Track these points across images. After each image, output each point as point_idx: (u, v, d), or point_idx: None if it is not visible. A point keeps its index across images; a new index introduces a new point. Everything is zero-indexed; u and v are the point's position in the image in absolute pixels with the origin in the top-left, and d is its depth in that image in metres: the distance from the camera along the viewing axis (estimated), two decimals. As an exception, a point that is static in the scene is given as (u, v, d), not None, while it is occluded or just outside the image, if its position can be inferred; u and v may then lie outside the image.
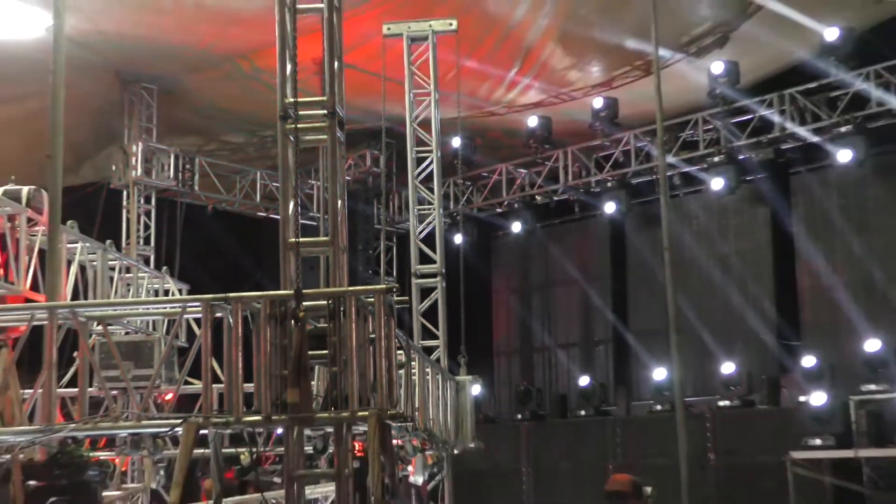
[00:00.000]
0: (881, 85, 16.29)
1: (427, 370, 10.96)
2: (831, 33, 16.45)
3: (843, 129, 16.71)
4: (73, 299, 11.78)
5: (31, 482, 7.71)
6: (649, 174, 18.41)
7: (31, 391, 8.31)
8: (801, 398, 15.10)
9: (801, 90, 17.18)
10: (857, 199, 17.61)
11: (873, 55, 16.47)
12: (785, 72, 17.85)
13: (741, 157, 17.93)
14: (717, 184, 18.37)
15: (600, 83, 18.82)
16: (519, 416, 19.39)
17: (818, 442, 14.41)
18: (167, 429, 8.32)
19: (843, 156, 16.85)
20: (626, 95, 18.74)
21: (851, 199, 17.65)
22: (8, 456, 8.37)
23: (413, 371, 9.87)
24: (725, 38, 17.34)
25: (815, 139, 17.03)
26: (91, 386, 8.39)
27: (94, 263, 13.66)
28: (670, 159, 17.27)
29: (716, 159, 18.13)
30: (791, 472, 14.04)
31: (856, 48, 16.50)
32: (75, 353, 8.36)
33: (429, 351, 14.52)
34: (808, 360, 16.12)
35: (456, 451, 14.26)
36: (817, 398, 14.69)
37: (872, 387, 14.57)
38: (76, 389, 8.19)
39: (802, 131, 17.08)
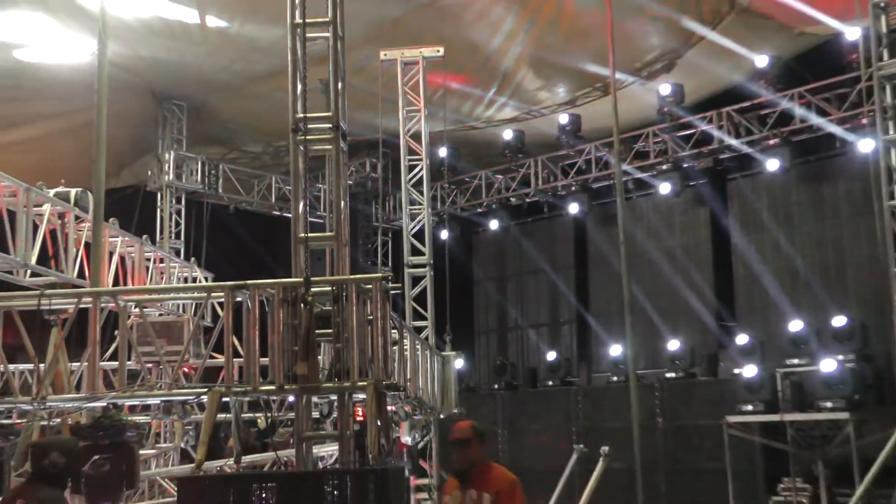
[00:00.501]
0: (803, 104, 16.37)
1: (417, 346, 10.99)
2: (761, 60, 16.59)
3: (771, 142, 16.82)
4: (113, 286, 11.83)
5: (81, 441, 7.73)
6: (607, 179, 18.46)
7: (77, 364, 8.34)
8: (736, 370, 15.20)
9: (736, 108, 17.24)
10: (783, 201, 17.70)
11: (796, 79, 16.58)
12: (722, 93, 17.97)
13: (685, 165, 18.01)
14: (664, 188, 18.45)
15: (565, 102, 18.88)
16: (496, 386, 19.44)
17: (749, 408, 14.49)
18: (194, 396, 8.34)
19: (772, 164, 16.94)
20: (587, 112, 18.80)
21: (778, 201, 17.73)
22: (58, 420, 8.42)
23: (405, 347, 9.92)
24: (672, 64, 17.42)
25: (748, 150, 17.12)
26: (129, 360, 8.39)
27: (132, 255, 13.69)
28: (625, 167, 17.34)
29: (664, 167, 18.19)
30: (726, 433, 14.16)
31: (782, 73, 16.63)
32: (116, 332, 8.38)
33: (419, 330, 14.57)
34: (742, 339, 16.21)
35: (442, 416, 14.30)
36: (749, 370, 14.78)
37: (795, 361, 14.67)
38: (116, 363, 8.19)
39: (737, 143, 17.16)
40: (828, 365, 14.03)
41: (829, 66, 16.22)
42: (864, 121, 14.99)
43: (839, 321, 14.94)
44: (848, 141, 16.07)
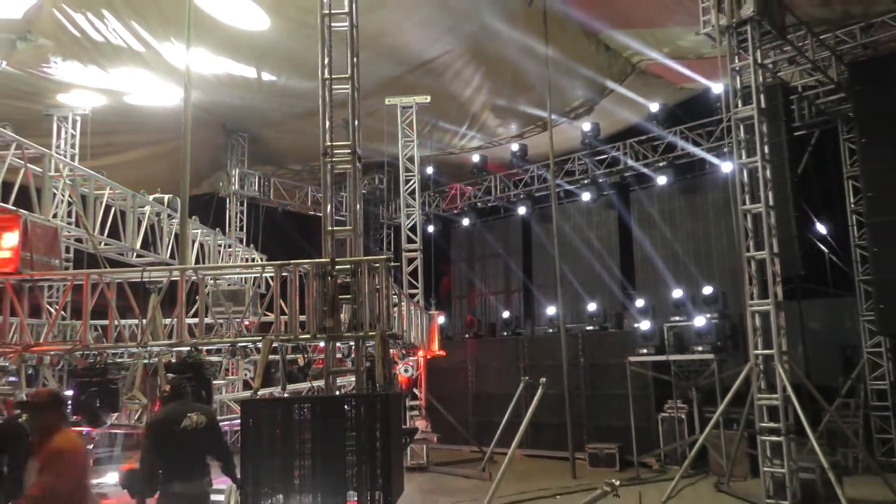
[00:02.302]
0: (683, 138, 16.47)
1: (411, 307, 11.03)
2: (654, 106, 16.66)
3: (661, 164, 16.91)
4: (195, 264, 11.78)
5: (170, 374, 7.72)
6: (545, 190, 18.49)
7: (169, 320, 8.32)
8: (635, 325, 15.33)
9: (636, 140, 17.31)
10: (669, 206, 17.78)
11: (678, 120, 16.68)
12: (626, 129, 17.99)
13: (600, 180, 18.06)
14: (585, 196, 18.53)
15: (516, 135, 18.87)
16: (466, 336, 19.53)
17: (645, 351, 14.62)
18: (252, 343, 8.34)
19: (661, 180, 17.05)
20: (531, 142, 18.83)
21: (665, 206, 17.81)
22: (156, 359, 8.39)
23: (402, 308, 9.94)
24: (591, 108, 17.47)
25: (644, 170, 17.20)
26: (206, 317, 8.40)
27: (208, 242, 13.62)
28: (557, 181, 17.39)
29: (585, 181, 18.26)
30: (629, 369, 14.28)
31: (668, 115, 16.71)
32: (196, 296, 8.35)
33: (412, 296, 14.60)
34: (639, 302, 16.32)
35: (428, 357, 14.36)
36: (644, 325, 14.92)
37: (677, 318, 14.79)
38: (197, 319, 8.19)
39: (637, 165, 17.24)
40: (699, 321, 14.18)
41: (701, 110, 16.34)
42: (726, 150, 15.11)
43: (707, 290, 15.07)
44: (714, 164, 16.21)
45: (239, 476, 6.50)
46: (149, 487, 6.25)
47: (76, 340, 7.89)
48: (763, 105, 10.75)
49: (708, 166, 16.56)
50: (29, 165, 8.80)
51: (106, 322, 8.23)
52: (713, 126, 15.98)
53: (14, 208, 8.22)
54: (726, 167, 15.11)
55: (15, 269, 7.69)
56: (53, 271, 8.35)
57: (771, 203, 10.57)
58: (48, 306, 10.76)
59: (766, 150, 10.69)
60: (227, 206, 18.86)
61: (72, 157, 13.06)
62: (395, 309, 9.13)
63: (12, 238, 7.66)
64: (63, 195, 9.78)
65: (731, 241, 15.25)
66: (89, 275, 7.90)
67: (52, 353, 8.11)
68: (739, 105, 10.90)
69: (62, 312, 9.89)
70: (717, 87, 15.18)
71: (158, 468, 6.19)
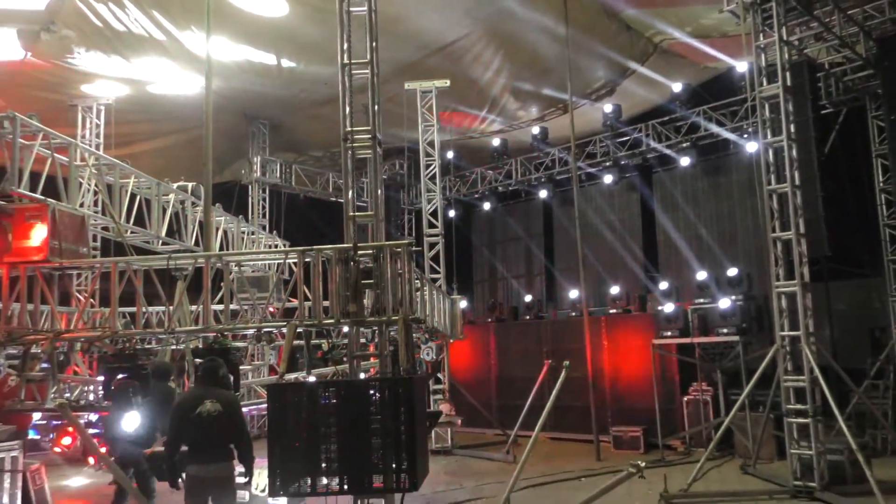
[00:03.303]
0: (706, 118, 16.26)
1: (433, 292, 11.04)
2: (677, 87, 16.41)
3: (683, 145, 16.72)
4: (219, 251, 11.88)
5: (198, 359, 7.83)
6: (566, 173, 18.39)
7: (195, 306, 8.41)
8: (659, 307, 15.22)
9: (658, 121, 17.12)
10: (692, 187, 17.63)
11: (702, 100, 16.45)
12: (649, 110, 17.76)
13: (622, 162, 17.90)
14: (607, 179, 18.41)
15: (536, 118, 18.72)
16: (489, 320, 19.52)
17: (669, 333, 14.56)
18: (277, 328, 8.41)
19: (684, 161, 16.89)
20: (552, 125, 18.66)
21: (688, 187, 17.66)
22: (184, 344, 8.51)
23: (425, 292, 9.96)
24: (613, 89, 17.25)
25: (667, 151, 17.02)
26: (231, 303, 8.47)
27: (232, 229, 13.72)
28: (579, 164, 17.25)
29: (606, 164, 18.13)
30: (653, 352, 14.21)
31: (691, 96, 16.48)
32: (221, 283, 8.42)
33: (434, 280, 14.62)
34: (663, 285, 16.23)
35: (451, 341, 14.40)
36: (668, 307, 14.83)
37: (701, 300, 14.70)
38: (222, 305, 8.26)
39: (659, 146, 17.06)
40: (724, 303, 14.06)
41: (725, 90, 16.10)
42: (750, 129, 14.90)
43: (732, 272, 14.94)
44: (738, 144, 15.99)
45: (269, 460, 6.57)
46: (171, 466, 6.49)
47: (105, 327, 8.01)
48: (789, 83, 10.57)
49: (732, 146, 16.35)
50: (56, 155, 8.91)
51: (134, 309, 8.34)
52: (737, 105, 15.75)
53: (42, 198, 8.34)
54: (751, 147, 14.91)
55: (45, 257, 7.82)
56: (82, 259, 8.47)
57: (797, 183, 10.42)
58: (77, 294, 10.94)
59: (792, 128, 10.51)
60: (250, 193, 18.97)
61: (97, 147, 13.21)
62: (418, 293, 9.13)
63: (41, 227, 7.78)
64: (89, 184, 9.90)
65: (755, 221, 15.13)
66: (117, 262, 8.00)
67: (82, 339, 8.25)
68: (764, 83, 10.72)
69: (91, 300, 10.04)
70: (741, 66, 14.94)
71: (178, 449, 6.47)
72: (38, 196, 8.32)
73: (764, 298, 13.87)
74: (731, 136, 15.97)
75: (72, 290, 10.49)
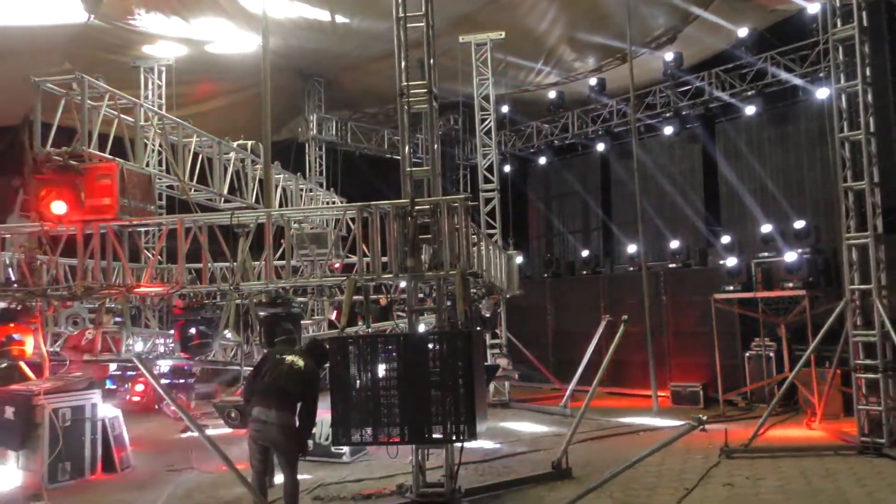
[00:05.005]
0: (774, 64, 15.53)
1: (490, 247, 11.03)
2: (742, 31, 15.69)
3: (749, 94, 16.06)
4: (279, 208, 12.09)
5: (261, 312, 8.02)
6: (625, 125, 17.94)
7: (257, 262, 8.61)
8: (720, 262, 14.84)
9: (723, 69, 16.44)
10: (757, 137, 17.01)
11: (769, 45, 15.70)
12: (712, 57, 17.04)
13: (683, 112, 17.30)
14: (667, 130, 17.91)
15: (594, 69, 18.23)
16: (545, 275, 19.46)
17: (731, 288, 14.20)
18: (337, 283, 8.53)
19: (749, 110, 16.27)
20: (610, 75, 18.16)
21: (753, 137, 17.04)
22: (247, 299, 8.73)
23: (481, 247, 9.95)
24: (674, 37, 16.62)
25: (731, 100, 16.38)
26: (292, 259, 8.62)
27: (290, 187, 13.92)
28: (638, 115, 16.80)
29: (667, 114, 17.58)
30: (713, 307, 13.91)
31: (757, 41, 15.75)
32: (282, 239, 8.57)
33: (490, 236, 14.60)
34: (725, 238, 15.83)
35: (508, 296, 14.41)
36: (731, 261, 14.45)
37: (765, 254, 14.26)
38: (283, 261, 8.43)
39: (723, 95, 16.42)
40: (790, 256, 13.61)
41: (795, 33, 15.30)
42: (822, 75, 14.23)
43: (799, 224, 14.44)
44: (808, 90, 15.28)
45: (330, 414, 6.76)
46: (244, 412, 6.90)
47: (174, 282, 8.27)
48: (865, 23, 9.99)
49: (801, 93, 15.63)
50: (122, 116, 9.14)
51: (199, 265, 8.59)
52: (808, 50, 14.98)
53: (111, 157, 8.59)
54: (822, 93, 14.24)
55: (115, 215, 8.08)
56: (150, 217, 8.73)
57: (872, 130, 9.92)
58: (145, 250, 11.33)
59: (868, 72, 9.97)
60: (307, 151, 19.16)
61: (158, 107, 13.49)
62: (475, 249, 9.13)
63: (111, 186, 8.03)
64: (153, 144, 10.14)
65: (825, 171, 14.55)
66: (183, 219, 8.22)
67: (152, 293, 8.56)
68: (838, 24, 10.16)
69: (158, 256, 10.38)
70: (812, 7, 14.21)
71: (252, 393, 6.82)
72: (107, 156, 8.57)
73: (832, 251, 13.41)
74: (800, 83, 15.25)
75: (140, 246, 10.85)
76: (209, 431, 9.00)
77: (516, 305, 16.48)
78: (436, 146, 7.97)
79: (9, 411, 8.89)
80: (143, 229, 10.34)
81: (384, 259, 7.67)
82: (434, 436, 6.69)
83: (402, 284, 8.63)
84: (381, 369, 6.71)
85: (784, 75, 15.37)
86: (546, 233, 22.55)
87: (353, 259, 8.15)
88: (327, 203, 15.62)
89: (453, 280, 7.36)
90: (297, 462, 6.87)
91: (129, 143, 9.29)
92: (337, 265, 11.46)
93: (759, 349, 13.86)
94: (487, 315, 14.25)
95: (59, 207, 7.88)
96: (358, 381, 6.71)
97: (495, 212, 15.62)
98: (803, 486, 8.08)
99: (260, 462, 6.80)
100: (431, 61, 7.85)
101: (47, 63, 12.03)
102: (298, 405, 6.73)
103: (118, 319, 9.81)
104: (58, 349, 9.11)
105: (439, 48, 8.21)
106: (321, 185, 17.90)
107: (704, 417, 5.67)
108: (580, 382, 14.32)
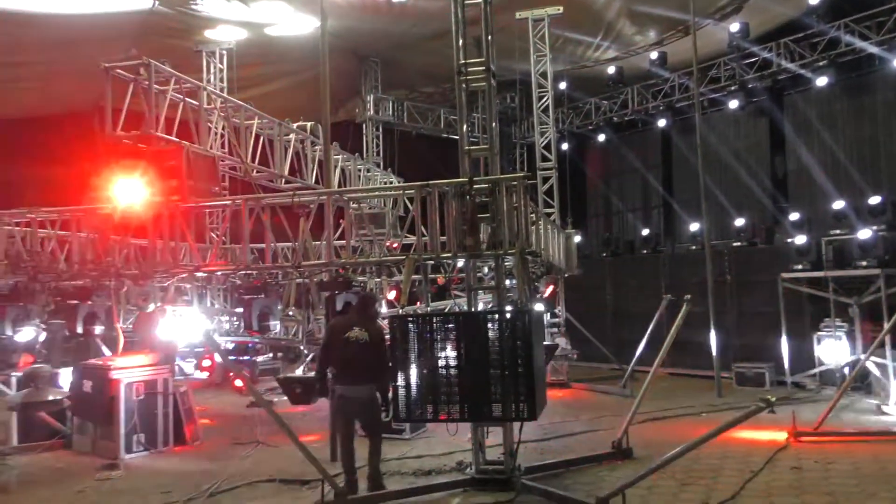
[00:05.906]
0: (847, 32, 14.83)
1: (548, 226, 10.95)
2: (814, -1, 15.03)
3: (820, 64, 15.39)
4: (338, 188, 12.23)
5: (323, 292, 8.18)
6: (687, 100, 17.46)
7: (318, 242, 8.74)
8: (788, 240, 14.31)
9: (792, 39, 15.79)
10: (829, 109, 16.32)
11: (842, 12, 14.97)
12: (781, 26, 16.36)
13: (749, 85, 16.72)
14: (732, 104, 17.32)
15: (655, 42, 17.74)
16: (604, 254, 19.18)
17: (799, 267, 13.70)
18: (396, 262, 8.60)
19: (820, 82, 15.60)
20: (672, 49, 17.64)
21: (825, 110, 16.35)
22: (307, 278, 8.89)
23: (540, 226, 9.88)
24: (740, 6, 15.97)
25: (801, 71, 15.73)
26: (351, 238, 8.72)
27: (349, 167, 14.07)
28: (702, 89, 16.28)
29: (732, 88, 17.01)
30: (780, 286, 13.47)
31: (829, 8, 15.02)
32: (342, 219, 8.68)
33: (549, 215, 14.47)
34: (793, 215, 15.25)
35: (566, 275, 14.30)
36: (799, 239, 13.92)
37: (837, 231, 13.69)
38: (343, 241, 8.54)
39: (793, 66, 15.78)
40: (864, 233, 13.02)
41: (870, -1, 14.59)
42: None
43: (874, 200, 13.79)
44: (884, 59, 14.55)
45: (391, 393, 6.86)
46: (321, 383, 7.20)
47: (238, 262, 8.48)
48: (950, -15, 9.41)
49: (877, 63, 14.93)
50: (187, 99, 9.36)
51: (262, 246, 8.77)
52: (885, 16, 14.23)
53: (178, 140, 8.83)
54: (900, 62, 13.53)
55: (182, 197, 8.32)
56: (215, 197, 8.95)
57: (956, 99, 9.38)
58: (210, 231, 11.64)
59: (952, 37, 9.41)
60: (364, 131, 19.30)
61: (220, 90, 13.78)
62: (533, 227, 9.06)
63: (178, 169, 8.26)
64: (216, 127, 10.37)
65: (902, 144, 13.87)
66: (246, 200, 8.40)
67: (218, 272, 8.80)
68: (920, -13, 9.60)
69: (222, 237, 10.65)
70: (890, -30, 13.45)
71: (326, 367, 7.18)
72: (173, 139, 8.81)
73: (911, 228, 12.79)
74: (876, 51, 14.51)
75: (206, 226, 11.16)
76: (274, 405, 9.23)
77: (575, 285, 16.30)
78: (494, 125, 7.90)
79: (87, 385, 9.31)
80: (207, 210, 10.61)
81: (442, 238, 7.69)
82: (493, 414, 6.72)
83: (460, 264, 8.63)
84: (441, 348, 6.76)
85: (859, 43, 14.66)
86: (605, 211, 22.20)
87: (412, 239, 8.19)
88: (385, 183, 15.73)
89: (512, 259, 7.33)
90: (380, 429, 7.33)
91: (194, 126, 9.52)
92: (395, 245, 11.54)
93: (829, 330, 13.36)
94: (548, 294, 14.19)
95: (129, 190, 8.16)
96: (418, 360, 6.78)
97: (553, 190, 15.45)
98: (877, 470, 7.79)
99: (346, 427, 7.26)
100: (489, 38, 7.77)
101: (116, 50, 12.37)
102: (375, 373, 7.04)
103: (186, 298, 10.14)
104: (129, 326, 9.48)
105: (496, 25, 8.10)
106: (378, 166, 18.03)
107: (773, 398, 5.51)
108: (640, 362, 14.10)
